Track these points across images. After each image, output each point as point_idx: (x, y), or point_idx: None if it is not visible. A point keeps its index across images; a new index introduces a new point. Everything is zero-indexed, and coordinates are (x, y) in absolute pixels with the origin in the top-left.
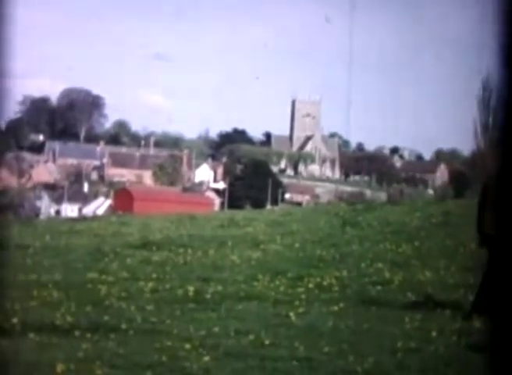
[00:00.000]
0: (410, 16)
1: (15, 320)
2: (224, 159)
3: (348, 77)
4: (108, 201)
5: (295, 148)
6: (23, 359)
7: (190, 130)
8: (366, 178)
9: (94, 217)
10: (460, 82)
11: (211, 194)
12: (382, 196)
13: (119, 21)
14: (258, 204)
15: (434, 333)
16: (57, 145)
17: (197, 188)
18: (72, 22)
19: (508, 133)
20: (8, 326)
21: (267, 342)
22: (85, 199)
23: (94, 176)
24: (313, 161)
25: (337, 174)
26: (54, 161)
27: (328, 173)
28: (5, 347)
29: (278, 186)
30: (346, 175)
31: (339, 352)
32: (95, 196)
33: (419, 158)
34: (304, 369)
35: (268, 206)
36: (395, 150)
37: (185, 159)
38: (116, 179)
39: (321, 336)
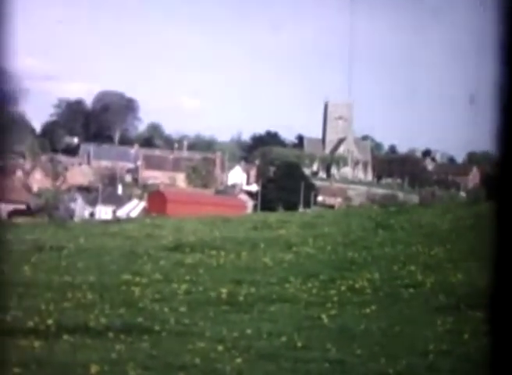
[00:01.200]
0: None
1: (49, 322)
2: (257, 162)
3: (380, 80)
4: (142, 204)
5: (327, 150)
6: (58, 360)
7: (223, 133)
8: (398, 181)
9: (128, 219)
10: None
11: (244, 197)
12: (414, 199)
13: (151, 22)
14: (291, 206)
15: (466, 336)
16: (91, 148)
17: (229, 191)
18: (106, 24)
19: (508, 133)
20: (43, 327)
21: (299, 344)
22: (119, 201)
23: (128, 178)
24: (345, 163)
25: (369, 177)
26: (88, 163)
27: (360, 175)
28: (40, 348)
29: (310, 188)
30: (379, 177)
31: (371, 354)
32: (129, 198)
33: (451, 160)
34: (336, 371)
35: (301, 209)
36: (427, 152)
37: (218, 162)
38: (150, 181)
39: (354, 338)
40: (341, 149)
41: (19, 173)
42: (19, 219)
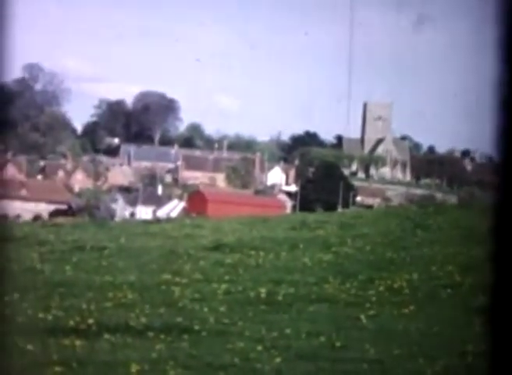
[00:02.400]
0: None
1: (90, 321)
2: (296, 162)
3: (418, 81)
4: (182, 204)
5: (366, 150)
6: (99, 360)
7: (262, 133)
8: (437, 181)
9: (168, 219)
10: None
11: (283, 197)
12: (453, 199)
13: (192, 23)
14: (330, 206)
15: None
16: (132, 148)
17: (269, 191)
18: (147, 25)
19: (508, 134)
20: (84, 326)
21: (338, 344)
22: (159, 201)
23: (168, 178)
24: (384, 164)
25: (408, 177)
26: (129, 164)
27: (399, 175)
28: (81, 347)
29: (349, 189)
30: (417, 178)
31: (410, 355)
32: (169, 198)
33: (490, 160)
34: (375, 371)
35: (340, 209)
36: (466, 153)
37: (257, 162)
38: (190, 181)
39: (392, 338)
40: (380, 149)
41: (61, 174)
42: (61, 219)
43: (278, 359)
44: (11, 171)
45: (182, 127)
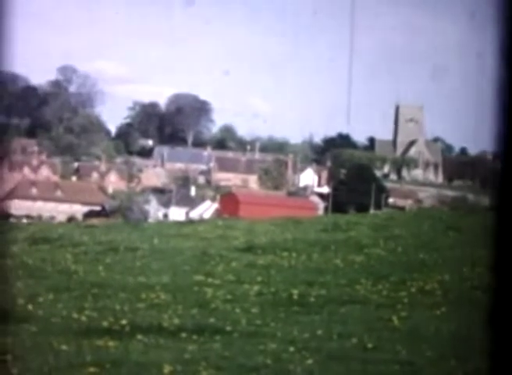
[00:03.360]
0: None
1: (124, 322)
2: (328, 164)
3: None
4: (215, 205)
5: (398, 152)
6: (132, 360)
7: (295, 135)
8: (469, 183)
9: (201, 221)
10: None
11: (316, 199)
12: (485, 200)
13: (226, 24)
14: (362, 208)
15: None
16: (165, 150)
17: (301, 192)
18: (180, 26)
19: (509, 135)
20: (117, 327)
21: (369, 346)
22: (192, 203)
23: (201, 180)
24: (416, 165)
25: (440, 179)
26: (162, 165)
27: (431, 177)
28: (115, 348)
29: (381, 190)
30: (450, 179)
31: (441, 357)
32: (202, 200)
33: None
34: (406, 373)
35: (372, 210)
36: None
37: (290, 164)
38: (223, 183)
39: (424, 340)
40: (412, 151)
41: (95, 175)
42: (95, 221)
43: (309, 361)
44: (45, 173)
45: (215, 129)
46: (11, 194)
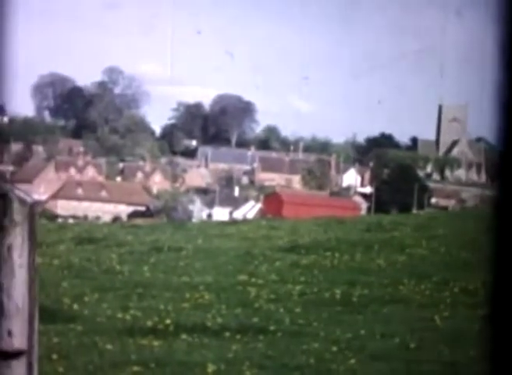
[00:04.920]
0: None
1: (168, 321)
2: (371, 164)
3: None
4: (258, 205)
5: (441, 152)
6: (176, 359)
7: (338, 135)
8: None
9: (245, 221)
10: None
11: (358, 199)
12: None
13: (268, 26)
14: (404, 208)
15: None
16: (209, 150)
17: (344, 193)
18: (224, 28)
19: (509, 136)
20: (161, 327)
21: (412, 345)
22: (236, 203)
23: (245, 180)
24: (459, 165)
25: (483, 178)
26: (206, 166)
27: (474, 177)
28: (159, 347)
29: (424, 190)
30: (493, 179)
31: (484, 357)
32: (245, 200)
33: None
34: (449, 372)
35: (414, 210)
36: None
37: (333, 164)
38: (266, 183)
39: (466, 340)
40: (455, 151)
41: (140, 176)
42: (139, 221)
43: (352, 360)
44: (91, 173)
45: (258, 129)
46: (57, 195)
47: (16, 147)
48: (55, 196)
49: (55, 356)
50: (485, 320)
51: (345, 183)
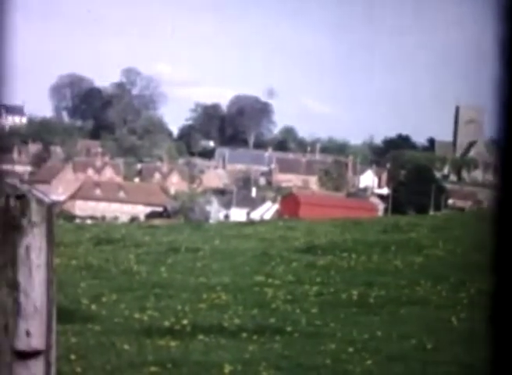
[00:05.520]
0: None
1: (185, 322)
2: (388, 165)
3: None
4: (275, 206)
5: (458, 153)
6: (193, 360)
7: (355, 136)
8: None
9: (262, 221)
10: None
11: (375, 200)
12: None
13: (285, 27)
14: (421, 209)
15: None
16: (227, 151)
17: (361, 194)
18: (240, 29)
19: (509, 136)
20: (178, 327)
21: (429, 346)
22: (253, 204)
23: (262, 181)
24: (476, 166)
25: None
26: (224, 166)
27: (491, 178)
28: (176, 347)
29: (441, 191)
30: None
31: (498, 358)
32: (263, 201)
33: None
34: (466, 374)
35: (431, 212)
36: None
37: (350, 165)
38: (283, 184)
39: (484, 341)
40: (472, 152)
41: (157, 176)
42: (157, 221)
43: (369, 361)
44: (109, 174)
45: (275, 130)
46: (75, 195)
47: (34, 147)
48: (73, 197)
49: (73, 356)
50: (496, 322)
51: (362, 185)
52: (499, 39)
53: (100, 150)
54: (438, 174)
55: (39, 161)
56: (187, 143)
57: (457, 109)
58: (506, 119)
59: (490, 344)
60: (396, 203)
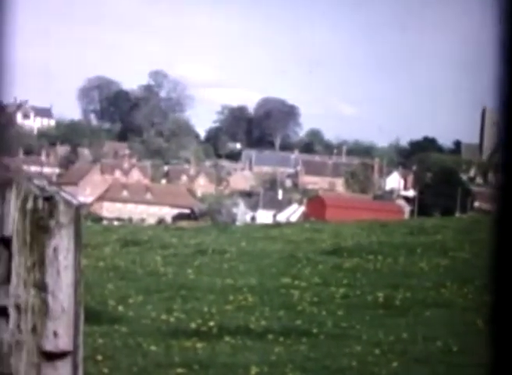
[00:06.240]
0: None
1: (212, 324)
2: (414, 167)
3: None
4: (302, 208)
5: (485, 156)
6: (219, 361)
7: (381, 139)
8: None
9: (288, 223)
10: None
11: (401, 202)
12: None
13: (309, 29)
14: (447, 212)
15: None
16: (253, 153)
17: (387, 196)
18: (263, 31)
19: (509, 136)
20: (205, 329)
21: (454, 349)
22: (279, 206)
23: (289, 183)
24: None
25: None
26: (250, 169)
27: None
28: (203, 349)
29: (467, 194)
30: None
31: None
32: (289, 203)
33: None
34: None
35: (457, 214)
36: None
37: (376, 167)
38: (309, 186)
39: (509, 344)
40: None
41: (184, 178)
42: (184, 223)
43: (395, 363)
44: (136, 176)
45: (302, 133)
46: (103, 197)
47: (62, 150)
48: (100, 198)
49: (99, 357)
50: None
51: (388, 187)
52: None
53: (127, 152)
54: (464, 177)
55: (67, 163)
56: (214, 145)
57: (483, 111)
58: (507, 119)
59: None
60: (422, 205)
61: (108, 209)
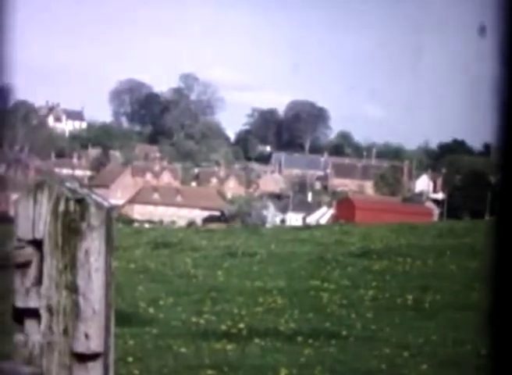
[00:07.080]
0: None
1: (241, 325)
2: (443, 170)
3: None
4: (331, 211)
5: None
6: (249, 363)
7: (410, 141)
8: None
9: (318, 226)
10: None
11: (431, 205)
12: None
13: (341, 32)
14: (477, 214)
15: None
16: (283, 156)
17: (416, 198)
18: (294, 35)
19: (508, 135)
20: (235, 331)
21: (483, 352)
22: (309, 208)
23: (318, 186)
24: None
25: None
26: (280, 171)
27: None
28: (232, 351)
29: (497, 196)
30: None
31: None
32: (318, 205)
33: None
34: None
35: (487, 217)
36: None
37: (405, 170)
38: (339, 189)
39: None
40: None
41: (214, 181)
42: (214, 226)
43: (424, 366)
44: (167, 178)
45: (331, 135)
46: (134, 200)
47: (93, 152)
48: (131, 201)
49: (130, 359)
50: None
51: (417, 189)
52: None
53: (158, 155)
54: (494, 179)
55: (98, 165)
56: (244, 148)
57: None
58: (506, 118)
59: None
60: (452, 208)
61: (139, 212)
